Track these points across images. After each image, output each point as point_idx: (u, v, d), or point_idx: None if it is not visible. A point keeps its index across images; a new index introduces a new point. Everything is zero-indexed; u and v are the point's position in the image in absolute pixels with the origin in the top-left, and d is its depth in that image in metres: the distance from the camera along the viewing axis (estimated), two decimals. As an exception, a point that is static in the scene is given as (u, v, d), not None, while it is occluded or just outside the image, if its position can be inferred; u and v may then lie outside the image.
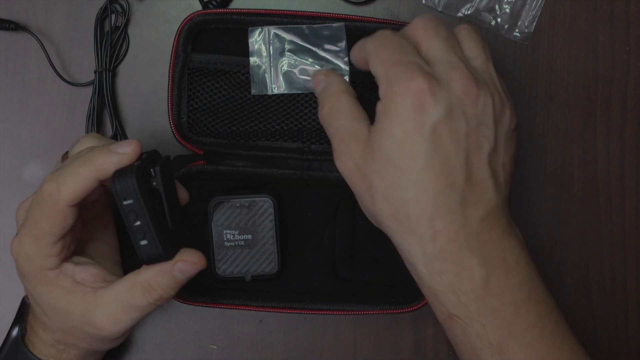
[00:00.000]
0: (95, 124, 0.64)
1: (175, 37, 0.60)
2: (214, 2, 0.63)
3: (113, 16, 0.64)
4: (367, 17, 0.60)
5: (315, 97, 0.62)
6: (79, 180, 0.49)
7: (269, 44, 0.59)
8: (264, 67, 0.60)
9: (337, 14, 0.60)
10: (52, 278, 0.51)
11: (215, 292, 0.61)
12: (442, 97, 0.46)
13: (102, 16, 0.64)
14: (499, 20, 0.65)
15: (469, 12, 0.65)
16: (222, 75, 0.62)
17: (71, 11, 0.65)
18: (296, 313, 0.62)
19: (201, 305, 0.60)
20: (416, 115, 0.46)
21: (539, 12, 0.65)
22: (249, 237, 0.60)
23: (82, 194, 0.49)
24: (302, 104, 0.62)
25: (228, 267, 0.60)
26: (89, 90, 0.64)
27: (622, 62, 0.66)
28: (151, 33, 0.65)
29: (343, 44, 0.60)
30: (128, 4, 0.64)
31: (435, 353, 0.66)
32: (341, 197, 0.64)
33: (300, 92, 0.60)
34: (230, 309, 0.60)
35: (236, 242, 0.60)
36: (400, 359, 0.66)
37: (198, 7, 0.64)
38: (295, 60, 0.60)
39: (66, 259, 0.52)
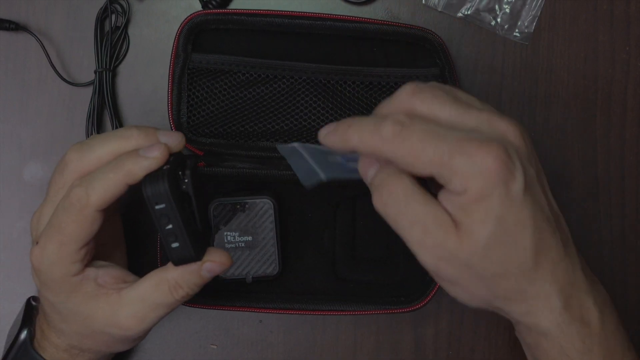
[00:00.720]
0: (95, 124, 0.63)
1: (175, 37, 0.60)
2: (214, 2, 0.63)
3: (113, 16, 0.64)
4: (367, 17, 0.60)
5: (316, 97, 0.62)
6: (108, 185, 0.49)
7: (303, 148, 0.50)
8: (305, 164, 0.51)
9: (337, 15, 0.60)
10: (76, 284, 0.51)
11: (216, 294, 0.61)
12: (514, 158, 0.44)
13: (102, 16, 0.64)
14: (498, 20, 0.65)
15: (468, 12, 0.65)
16: (222, 75, 0.62)
17: (71, 11, 0.65)
18: (296, 313, 0.62)
19: (202, 307, 0.60)
20: (508, 187, 0.43)
21: (539, 12, 0.65)
22: (250, 238, 0.60)
23: (111, 199, 0.49)
24: (302, 104, 0.62)
25: (229, 268, 0.60)
26: (89, 90, 0.64)
27: (622, 62, 0.66)
28: (151, 33, 0.65)
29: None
30: (128, 4, 0.64)
31: (435, 353, 0.66)
32: (341, 197, 0.64)
33: (347, 178, 0.50)
34: (232, 310, 0.61)
35: (237, 244, 0.60)
36: (400, 359, 0.66)
37: (198, 7, 0.64)
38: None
39: (88, 263, 0.52)
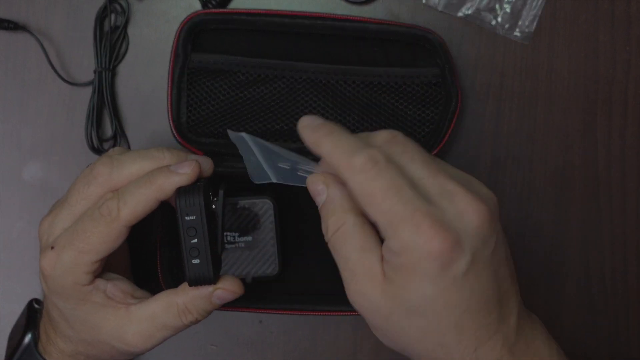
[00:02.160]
0: (95, 123, 0.63)
1: (175, 37, 0.60)
2: (213, 2, 0.63)
3: (113, 16, 0.64)
4: (367, 17, 0.60)
5: (316, 97, 0.62)
6: (140, 200, 0.49)
7: (256, 145, 0.51)
8: (255, 160, 0.52)
9: (337, 15, 0.60)
10: (86, 293, 0.51)
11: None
12: (465, 246, 0.43)
13: (102, 16, 0.64)
14: (499, 19, 0.65)
15: (469, 12, 0.65)
16: (222, 75, 0.62)
17: (71, 11, 0.65)
18: (296, 314, 0.62)
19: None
20: (446, 272, 0.43)
21: (540, 12, 0.65)
22: (250, 238, 0.60)
23: (142, 215, 0.49)
24: (302, 104, 0.62)
25: (229, 269, 0.60)
26: (88, 90, 0.64)
27: (623, 62, 0.66)
28: (151, 33, 0.65)
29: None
30: (128, 3, 0.64)
31: (436, 353, 0.66)
32: (341, 198, 0.64)
33: (296, 185, 0.50)
34: (232, 310, 0.60)
35: (237, 244, 0.60)
36: (400, 359, 0.66)
37: (198, 7, 0.64)
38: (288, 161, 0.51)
39: (98, 275, 0.52)
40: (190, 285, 0.50)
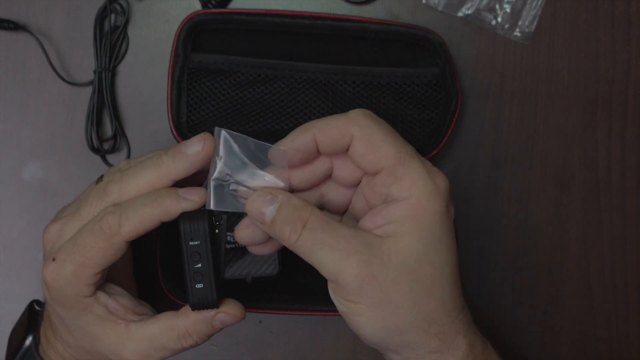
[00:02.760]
0: (95, 123, 0.63)
1: (175, 37, 0.60)
2: (213, 2, 0.63)
3: (113, 16, 0.64)
4: (367, 17, 0.60)
5: (316, 97, 0.62)
6: (143, 219, 0.48)
7: (221, 147, 0.48)
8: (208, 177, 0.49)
9: (337, 14, 0.60)
10: (87, 305, 0.51)
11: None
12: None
13: (102, 16, 0.64)
14: (499, 19, 0.65)
15: (469, 12, 0.65)
16: (222, 75, 0.62)
17: (71, 11, 0.65)
18: (296, 314, 0.62)
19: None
20: (449, 212, 0.46)
21: (540, 12, 0.65)
22: (249, 238, 0.60)
23: (142, 232, 0.49)
24: (302, 104, 0.62)
25: (229, 269, 0.60)
26: (88, 90, 0.64)
27: (623, 62, 0.66)
28: (151, 33, 0.65)
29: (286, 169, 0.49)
30: (128, 3, 0.64)
31: (436, 353, 0.66)
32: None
33: (230, 210, 0.49)
34: (231, 310, 0.60)
35: (237, 244, 0.60)
36: (400, 359, 0.66)
37: (198, 7, 0.64)
38: (228, 175, 0.48)
39: (100, 286, 0.52)
40: (193, 309, 0.50)
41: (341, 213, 0.52)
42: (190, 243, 0.48)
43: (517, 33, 0.65)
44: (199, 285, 0.49)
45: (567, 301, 0.66)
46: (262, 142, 0.48)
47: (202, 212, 0.48)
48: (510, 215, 0.65)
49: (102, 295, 0.51)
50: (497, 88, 0.65)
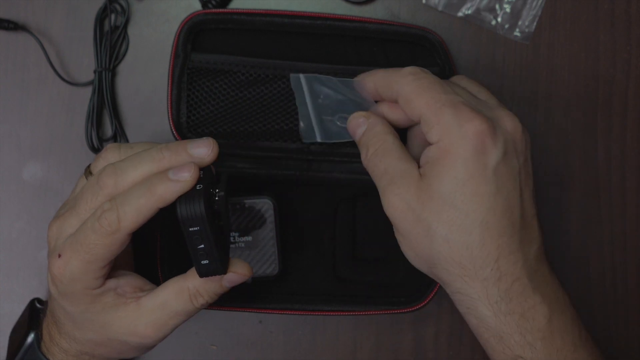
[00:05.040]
0: (95, 123, 0.63)
1: (175, 36, 0.60)
2: (213, 2, 0.63)
3: (113, 16, 0.64)
4: (367, 17, 0.60)
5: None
6: (140, 211, 0.49)
7: (309, 92, 0.57)
8: (308, 115, 0.57)
9: (337, 14, 0.60)
10: (96, 296, 0.51)
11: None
12: (499, 137, 0.48)
13: (102, 16, 0.64)
14: (499, 19, 0.65)
15: (469, 12, 0.65)
16: (222, 75, 0.62)
17: (71, 11, 0.65)
18: (296, 314, 0.62)
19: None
20: (479, 157, 0.47)
21: (540, 12, 0.65)
22: (250, 239, 0.60)
23: (143, 222, 0.49)
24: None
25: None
26: (88, 90, 0.64)
27: (623, 61, 0.66)
28: (151, 33, 0.65)
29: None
30: (128, 3, 0.64)
31: (436, 353, 0.66)
32: (341, 198, 0.64)
33: (337, 141, 0.56)
34: (232, 310, 0.60)
35: (237, 244, 0.60)
36: (400, 359, 0.66)
37: (198, 6, 0.64)
38: (332, 110, 0.57)
39: (108, 275, 0.52)
40: (201, 277, 0.51)
41: None
42: (190, 229, 0.48)
43: (517, 33, 0.65)
44: (205, 262, 0.49)
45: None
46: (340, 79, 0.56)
47: (197, 194, 0.48)
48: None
49: (111, 282, 0.52)
50: (498, 88, 0.65)
